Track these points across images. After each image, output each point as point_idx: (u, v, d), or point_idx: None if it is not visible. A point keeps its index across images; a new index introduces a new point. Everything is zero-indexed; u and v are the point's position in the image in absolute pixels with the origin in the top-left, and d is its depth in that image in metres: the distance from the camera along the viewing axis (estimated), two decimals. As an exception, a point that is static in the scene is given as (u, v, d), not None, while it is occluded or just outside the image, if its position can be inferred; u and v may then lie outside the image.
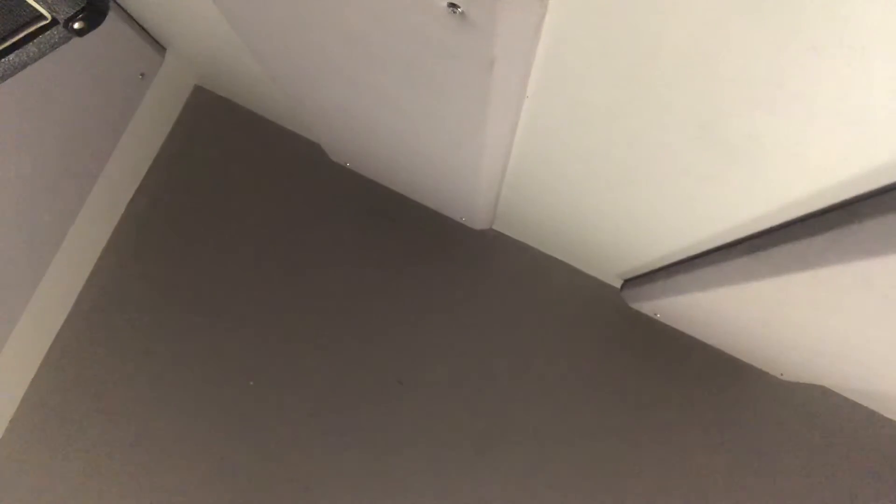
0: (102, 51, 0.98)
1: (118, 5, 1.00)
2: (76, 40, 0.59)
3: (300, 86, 0.80)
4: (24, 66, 0.58)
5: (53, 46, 0.59)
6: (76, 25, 0.58)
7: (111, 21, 0.98)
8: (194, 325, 1.18)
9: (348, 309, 1.20)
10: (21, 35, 0.56)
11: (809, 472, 1.12)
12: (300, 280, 1.21)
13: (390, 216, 1.23)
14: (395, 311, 1.20)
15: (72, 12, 0.57)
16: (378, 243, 1.22)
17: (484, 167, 0.75)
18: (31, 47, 0.57)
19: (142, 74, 1.10)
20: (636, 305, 1.15)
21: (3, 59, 0.56)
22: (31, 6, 0.55)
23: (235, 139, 1.27)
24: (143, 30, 1.06)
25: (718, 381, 1.17)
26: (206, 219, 1.23)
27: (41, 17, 0.57)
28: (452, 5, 0.41)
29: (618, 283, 1.19)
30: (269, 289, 1.20)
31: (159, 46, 1.12)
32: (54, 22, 0.57)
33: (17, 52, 0.56)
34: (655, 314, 1.15)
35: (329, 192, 1.24)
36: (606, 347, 1.18)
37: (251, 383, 1.16)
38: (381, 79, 0.62)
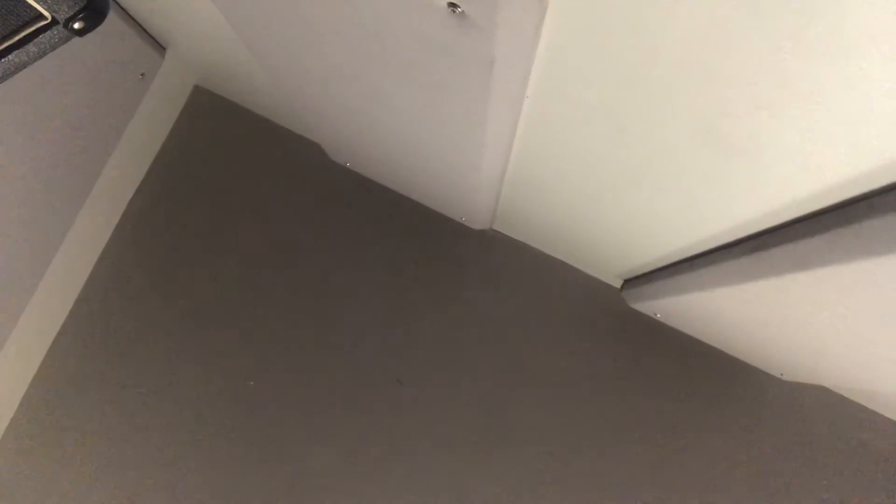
0: (102, 51, 0.98)
1: (118, 5, 1.00)
2: (76, 40, 0.59)
3: (300, 86, 0.80)
4: (24, 66, 0.58)
5: (53, 46, 0.59)
6: (76, 25, 0.58)
7: (111, 21, 0.98)
8: (194, 324, 1.18)
9: (348, 309, 1.20)
10: (21, 35, 0.56)
11: (809, 471, 1.12)
12: (300, 280, 1.21)
13: (390, 216, 1.23)
14: (394, 310, 1.20)
15: (72, 12, 0.57)
16: (378, 243, 1.22)
17: (484, 167, 0.75)
18: (31, 47, 0.57)
19: (142, 74, 1.09)
20: (636, 305, 1.15)
21: (3, 59, 0.56)
22: (31, 6, 0.55)
23: (235, 139, 1.27)
24: (143, 30, 1.06)
25: (718, 381, 1.17)
26: (206, 219, 1.23)
27: (41, 17, 0.57)
28: (452, 5, 0.41)
29: (618, 283, 1.19)
30: (268, 289, 1.20)
31: (159, 46, 1.12)
32: (54, 22, 0.57)
33: (17, 52, 0.56)
34: (655, 314, 1.15)
35: (329, 192, 1.24)
36: (606, 347, 1.18)
37: (251, 383, 1.16)
38: (381, 78, 0.62)
